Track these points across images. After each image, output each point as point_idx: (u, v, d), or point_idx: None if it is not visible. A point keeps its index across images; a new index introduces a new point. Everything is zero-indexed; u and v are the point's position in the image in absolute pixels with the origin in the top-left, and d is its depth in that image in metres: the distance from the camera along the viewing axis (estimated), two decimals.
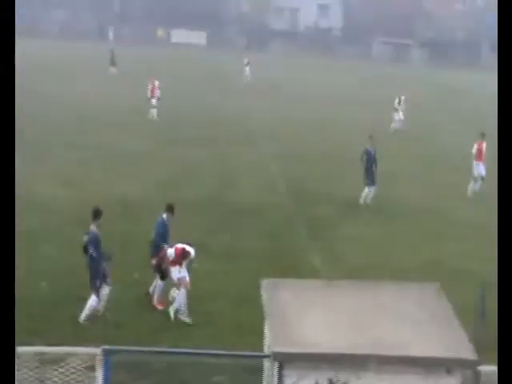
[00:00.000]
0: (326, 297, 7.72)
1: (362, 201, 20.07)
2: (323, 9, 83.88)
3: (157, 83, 32.27)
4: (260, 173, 23.52)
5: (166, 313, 12.54)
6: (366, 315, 7.29)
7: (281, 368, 6.71)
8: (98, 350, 7.19)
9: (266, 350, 7.53)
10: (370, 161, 19.93)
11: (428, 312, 7.41)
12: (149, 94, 32.08)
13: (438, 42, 75.72)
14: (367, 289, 7.92)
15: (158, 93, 32.05)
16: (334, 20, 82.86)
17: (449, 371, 6.63)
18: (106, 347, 7.21)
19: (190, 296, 13.24)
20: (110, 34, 74.68)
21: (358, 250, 16.44)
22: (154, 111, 31.71)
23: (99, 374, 7.20)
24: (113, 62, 47.24)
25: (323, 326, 7.12)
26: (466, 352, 6.72)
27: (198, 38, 77.40)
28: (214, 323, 12.26)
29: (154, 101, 31.81)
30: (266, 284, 7.87)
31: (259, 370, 8.05)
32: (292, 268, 14.79)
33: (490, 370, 7.10)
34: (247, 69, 49.81)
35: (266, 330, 7.51)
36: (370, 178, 19.93)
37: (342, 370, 6.69)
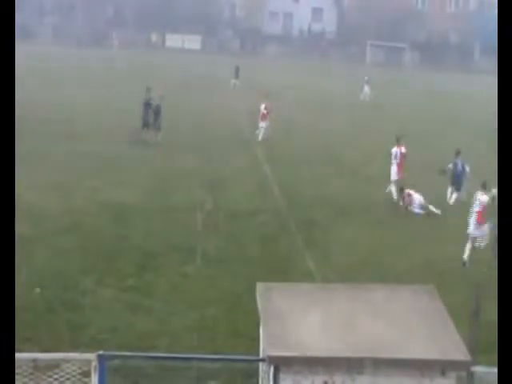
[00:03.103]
0: (321, 300, 7.73)
1: (451, 202, 21.86)
2: (317, 12, 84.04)
3: (263, 107, 30.15)
4: (252, 177, 23.52)
5: (159, 317, 12.53)
6: (361, 318, 7.30)
7: (276, 371, 6.71)
8: (92, 356, 7.18)
9: (261, 354, 7.54)
10: (457, 171, 22.01)
11: (422, 314, 7.43)
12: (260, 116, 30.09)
13: (431, 45, 75.93)
14: (361, 291, 7.94)
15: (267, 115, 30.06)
16: (328, 23, 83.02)
17: (443, 373, 6.66)
18: (101, 352, 7.21)
19: (185, 301, 13.26)
20: (115, 41, 74.50)
21: (351, 253, 16.46)
22: (261, 133, 29.96)
23: (94, 380, 7.19)
24: (236, 75, 47.79)
25: (318, 329, 7.13)
26: (460, 353, 6.75)
27: (193, 42, 77.47)
28: (208, 327, 12.25)
29: (263, 124, 29.99)
30: (260, 288, 7.88)
31: (254, 375, 8.06)
32: (286, 272, 14.82)
33: (485, 370, 7.13)
34: (367, 87, 45.39)
35: (261, 334, 7.51)
36: (456, 185, 21.97)
37: (337, 373, 6.71)
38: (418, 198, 20.72)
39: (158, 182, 22.08)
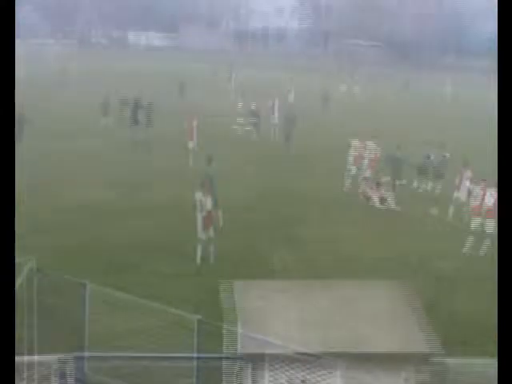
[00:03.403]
0: (297, 297, 7.81)
1: None
2: (297, 11, 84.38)
3: (271, 103, 31.71)
4: (235, 175, 23.53)
5: (137, 316, 12.49)
6: (336, 314, 7.39)
7: (253, 369, 6.78)
8: (70, 357, 7.19)
9: (239, 352, 7.60)
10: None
11: (395, 309, 7.53)
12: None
13: (404, 43, 76.39)
14: (336, 288, 8.03)
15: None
16: (304, 22, 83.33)
17: (417, 365, 6.77)
18: (78, 353, 7.22)
19: (164, 299, 13.24)
20: (95, 39, 74.20)
21: (330, 249, 16.56)
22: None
23: (71, 381, 7.21)
24: (230, 75, 48.39)
25: (295, 326, 7.20)
26: (432, 346, 6.86)
27: (167, 40, 77.25)
28: (185, 326, 12.26)
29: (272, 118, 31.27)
30: (237, 285, 7.94)
31: (232, 372, 8.10)
32: (264, 268, 14.88)
33: (457, 362, 7.28)
34: (356, 87, 48.62)
35: (239, 332, 7.57)
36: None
37: (314, 369, 6.79)
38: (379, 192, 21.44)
39: (147, 181, 22.08)
